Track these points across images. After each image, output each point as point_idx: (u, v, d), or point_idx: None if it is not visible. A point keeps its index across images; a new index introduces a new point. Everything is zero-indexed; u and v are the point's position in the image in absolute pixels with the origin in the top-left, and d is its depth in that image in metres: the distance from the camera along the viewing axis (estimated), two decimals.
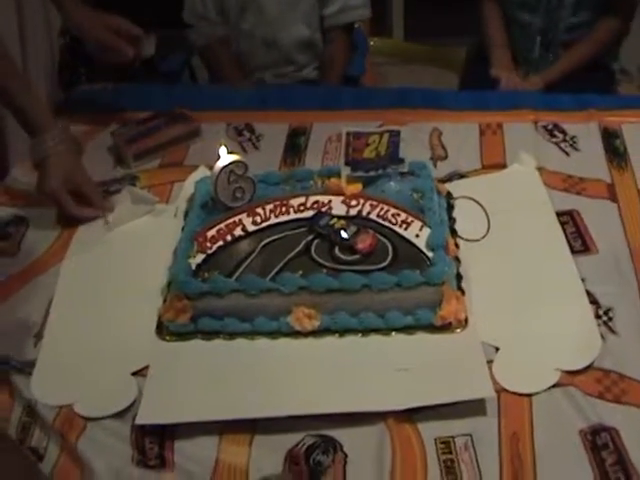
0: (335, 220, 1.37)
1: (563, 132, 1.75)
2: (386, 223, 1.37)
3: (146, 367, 1.27)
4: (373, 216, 1.39)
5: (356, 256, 1.31)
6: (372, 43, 2.90)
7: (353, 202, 1.41)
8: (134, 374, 1.27)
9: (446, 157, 1.71)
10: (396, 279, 1.27)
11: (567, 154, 1.70)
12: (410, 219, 1.37)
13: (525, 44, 2.31)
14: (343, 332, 1.30)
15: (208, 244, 1.36)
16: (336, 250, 1.33)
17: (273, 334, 1.31)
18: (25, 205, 1.65)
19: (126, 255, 1.51)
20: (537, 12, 2.25)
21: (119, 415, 1.21)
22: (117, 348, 1.32)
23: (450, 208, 1.53)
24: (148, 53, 1.79)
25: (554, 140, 1.73)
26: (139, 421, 1.18)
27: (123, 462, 1.15)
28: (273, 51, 2.37)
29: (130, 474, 1.14)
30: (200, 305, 1.30)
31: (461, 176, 1.64)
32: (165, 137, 1.79)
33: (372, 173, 1.47)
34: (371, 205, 1.40)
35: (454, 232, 1.47)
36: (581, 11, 2.22)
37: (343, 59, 2.43)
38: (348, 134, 1.45)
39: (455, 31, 2.85)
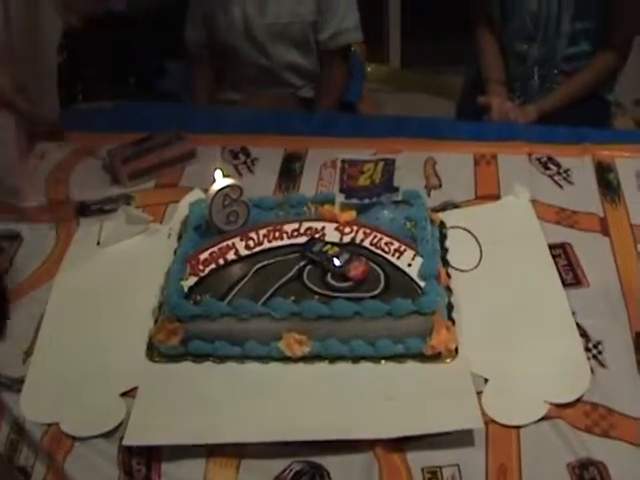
0: (328, 247, 1.37)
1: (557, 165, 1.76)
2: (379, 251, 1.37)
3: (135, 388, 1.27)
4: (366, 244, 1.39)
5: (348, 283, 1.31)
6: (369, 69, 2.90)
7: (347, 229, 1.42)
8: (123, 395, 1.27)
9: (440, 186, 1.71)
10: (387, 307, 1.27)
11: (561, 187, 1.70)
12: (403, 248, 1.37)
13: (523, 74, 2.31)
14: (333, 359, 1.30)
15: (201, 267, 1.36)
16: (328, 277, 1.33)
17: (263, 359, 1.31)
18: (18, 220, 1.65)
19: (118, 274, 1.51)
20: (534, 42, 2.24)
21: (107, 435, 1.21)
22: (107, 368, 1.32)
23: (443, 238, 1.53)
24: (119, 8, 1.76)
25: (548, 173, 1.74)
26: (127, 442, 1.18)
27: None
28: (267, 75, 2.37)
29: None
30: (191, 328, 1.30)
31: (455, 206, 1.65)
32: (161, 158, 1.79)
33: (366, 201, 1.47)
34: (364, 233, 1.41)
35: (446, 262, 1.47)
36: (579, 42, 2.22)
37: (340, 85, 2.42)
38: (343, 161, 1.46)
39: (452, 59, 2.85)
